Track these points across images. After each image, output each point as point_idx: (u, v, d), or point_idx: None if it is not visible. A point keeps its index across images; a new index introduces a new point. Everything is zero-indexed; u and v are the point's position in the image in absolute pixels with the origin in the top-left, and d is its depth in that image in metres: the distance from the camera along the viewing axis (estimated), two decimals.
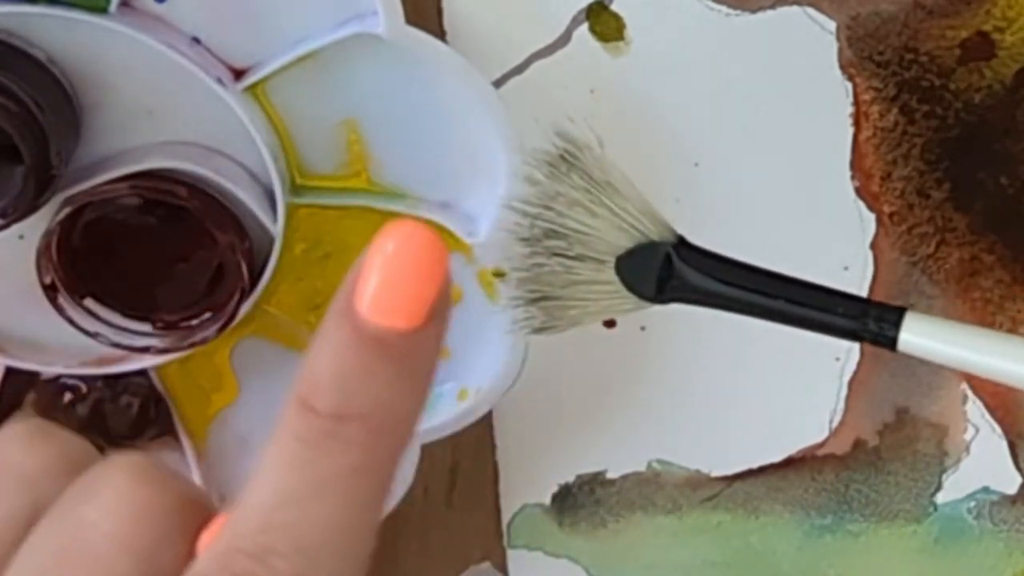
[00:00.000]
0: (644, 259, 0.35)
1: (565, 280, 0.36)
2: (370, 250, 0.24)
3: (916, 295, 0.46)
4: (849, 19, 0.43)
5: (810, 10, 0.43)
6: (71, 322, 0.43)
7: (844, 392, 0.48)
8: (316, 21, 0.40)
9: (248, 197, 0.42)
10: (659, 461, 0.50)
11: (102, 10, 0.39)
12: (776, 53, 0.43)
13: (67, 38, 0.40)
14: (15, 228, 0.41)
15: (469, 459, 0.50)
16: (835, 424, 0.49)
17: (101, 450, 0.50)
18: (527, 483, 0.51)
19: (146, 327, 0.44)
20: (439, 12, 0.43)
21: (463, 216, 0.43)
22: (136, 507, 0.24)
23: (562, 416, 0.50)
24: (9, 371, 0.45)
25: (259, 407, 0.47)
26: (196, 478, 0.47)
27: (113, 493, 0.24)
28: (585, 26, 0.43)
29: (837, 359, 0.48)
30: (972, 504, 0.49)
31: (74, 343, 0.44)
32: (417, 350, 0.25)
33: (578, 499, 0.51)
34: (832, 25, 0.43)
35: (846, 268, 0.46)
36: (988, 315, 0.46)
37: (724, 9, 0.43)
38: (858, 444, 0.49)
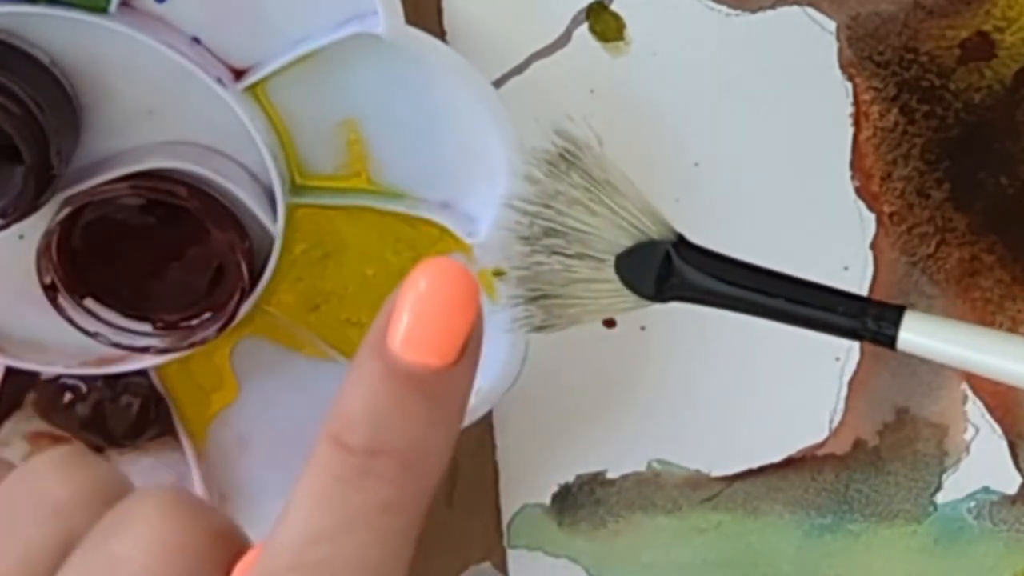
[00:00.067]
0: (644, 258, 0.35)
1: (565, 278, 0.36)
2: (403, 286, 0.25)
3: (916, 295, 0.46)
4: (849, 19, 0.43)
5: (810, 10, 0.43)
6: (71, 322, 0.43)
7: (844, 392, 0.48)
8: (316, 21, 0.40)
9: (248, 197, 0.42)
10: (659, 461, 0.50)
11: (102, 10, 0.39)
12: (776, 53, 0.43)
13: (67, 38, 0.40)
14: (15, 228, 0.41)
15: (469, 459, 0.50)
16: (835, 424, 0.49)
17: (101, 450, 0.50)
18: (527, 483, 0.51)
19: (146, 327, 0.44)
20: (439, 12, 0.43)
21: (463, 216, 0.43)
22: (168, 542, 0.24)
23: (562, 416, 0.50)
24: (9, 371, 0.45)
25: (259, 407, 0.47)
26: (196, 478, 0.47)
27: (146, 527, 0.24)
28: (585, 26, 0.43)
29: (837, 359, 0.48)
30: (972, 504, 0.49)
31: (74, 343, 0.44)
32: (449, 387, 0.25)
33: (578, 499, 0.51)
34: (832, 25, 0.43)
35: (846, 268, 0.46)
36: (988, 315, 0.46)
37: (724, 9, 0.43)
38: (858, 444, 0.49)
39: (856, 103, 0.44)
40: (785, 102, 0.44)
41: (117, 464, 0.48)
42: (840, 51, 0.43)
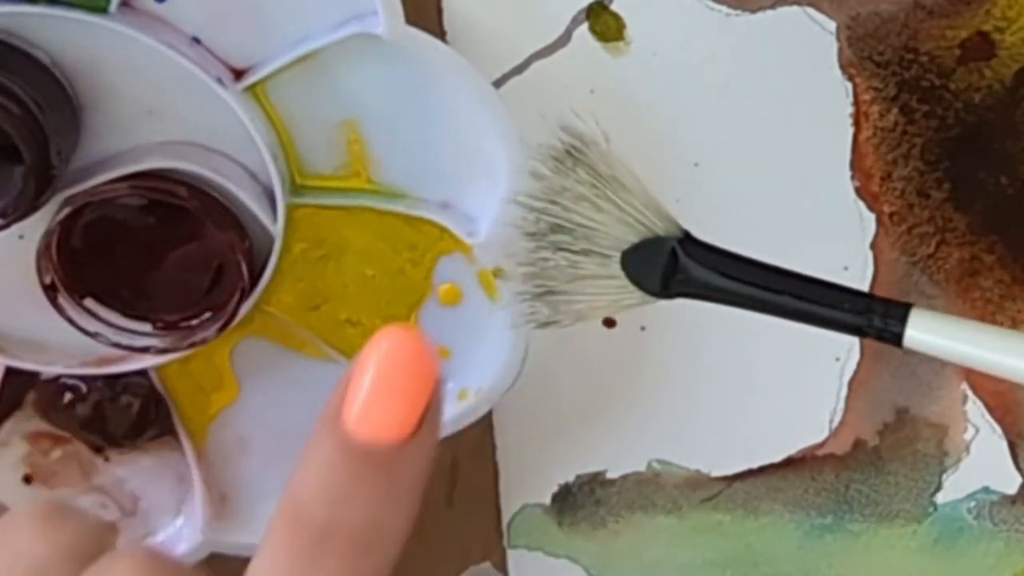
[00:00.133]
0: (649, 254, 0.35)
1: (570, 275, 0.36)
2: (359, 359, 0.24)
3: (916, 295, 0.46)
4: (849, 19, 0.43)
5: (810, 10, 0.43)
6: (71, 322, 0.43)
7: (844, 392, 0.48)
8: (316, 21, 0.40)
9: (248, 197, 0.42)
10: (659, 461, 0.50)
11: (102, 10, 0.39)
12: (776, 53, 0.43)
13: (67, 38, 0.40)
14: (15, 228, 0.41)
15: (469, 459, 0.50)
16: (835, 424, 0.49)
17: (101, 450, 0.50)
18: (527, 483, 0.51)
19: (146, 327, 0.44)
20: (439, 12, 0.43)
21: (463, 216, 0.43)
22: None
23: (562, 416, 0.50)
24: (9, 371, 0.45)
25: (259, 407, 0.47)
26: (196, 478, 0.47)
27: None
28: (585, 26, 0.43)
29: (837, 359, 0.48)
30: (972, 504, 0.49)
31: (74, 343, 0.44)
32: (405, 462, 0.24)
33: (578, 499, 0.51)
34: (832, 25, 0.43)
35: (846, 268, 0.46)
36: (988, 315, 0.46)
37: (724, 9, 0.43)
38: (858, 444, 0.49)
39: (856, 103, 0.44)
40: (785, 102, 0.44)
41: (117, 464, 0.48)
42: (840, 51, 0.43)
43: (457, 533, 0.51)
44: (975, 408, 0.48)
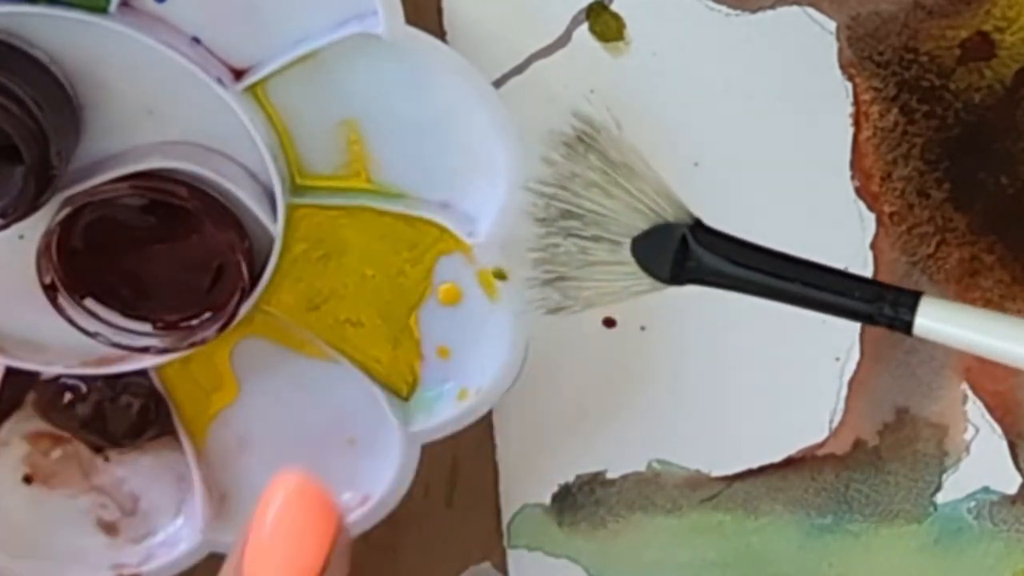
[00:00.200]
0: (660, 240, 0.35)
1: (580, 261, 0.36)
2: (256, 510, 0.24)
3: None
4: (849, 19, 0.43)
5: (810, 10, 0.43)
6: (71, 322, 0.43)
7: (844, 392, 0.48)
8: (316, 21, 0.40)
9: (248, 197, 0.42)
10: (659, 461, 0.50)
11: (102, 10, 0.39)
12: (776, 53, 0.43)
13: (67, 38, 0.40)
14: (15, 228, 0.41)
15: (469, 459, 0.50)
16: (835, 424, 0.49)
17: (101, 450, 0.50)
18: (527, 483, 0.51)
19: (146, 327, 0.44)
20: (439, 12, 0.43)
21: (463, 216, 0.43)
22: None
23: (562, 416, 0.50)
24: (9, 371, 0.45)
25: (259, 407, 0.47)
26: (196, 478, 0.47)
27: None
28: (585, 26, 0.43)
29: (837, 359, 0.48)
30: (972, 504, 0.49)
31: (74, 343, 0.44)
32: None
33: (578, 499, 0.51)
34: (832, 25, 0.43)
35: (846, 268, 0.46)
36: None
37: (724, 9, 0.43)
38: (858, 444, 0.49)
39: (856, 103, 0.44)
40: (785, 102, 0.44)
41: (117, 464, 0.48)
42: (840, 51, 0.43)
43: (457, 533, 0.51)
44: (975, 408, 0.48)
